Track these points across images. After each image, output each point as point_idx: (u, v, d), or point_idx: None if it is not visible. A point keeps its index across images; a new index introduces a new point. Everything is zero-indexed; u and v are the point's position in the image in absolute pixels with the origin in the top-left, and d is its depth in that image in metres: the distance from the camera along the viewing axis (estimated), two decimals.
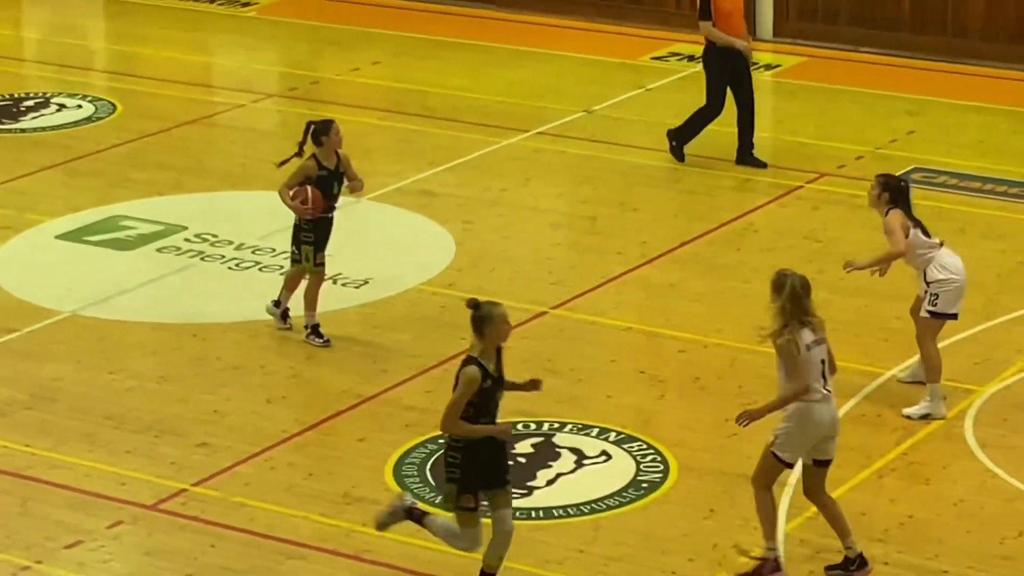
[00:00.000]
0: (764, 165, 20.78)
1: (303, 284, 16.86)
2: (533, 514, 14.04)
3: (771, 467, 13.05)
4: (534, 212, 19.91)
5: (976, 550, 13.52)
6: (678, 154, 20.95)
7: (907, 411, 15.46)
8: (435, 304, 17.59)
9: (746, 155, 20.87)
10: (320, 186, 16.41)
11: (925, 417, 15.40)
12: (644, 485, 14.45)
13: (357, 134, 22.22)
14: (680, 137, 20.97)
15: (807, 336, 12.80)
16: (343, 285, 17.91)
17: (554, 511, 14.09)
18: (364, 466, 14.73)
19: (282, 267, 18.05)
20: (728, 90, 20.80)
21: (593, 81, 23.97)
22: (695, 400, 15.76)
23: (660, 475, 14.58)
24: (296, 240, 16.71)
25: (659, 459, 14.81)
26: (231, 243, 18.90)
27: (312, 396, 16.04)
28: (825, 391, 12.91)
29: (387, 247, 19.00)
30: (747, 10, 25.20)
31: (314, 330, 16.78)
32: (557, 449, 14.98)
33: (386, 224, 19.56)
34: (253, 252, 18.68)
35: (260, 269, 18.29)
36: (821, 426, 12.93)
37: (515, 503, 14.07)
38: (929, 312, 15.38)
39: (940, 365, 15.44)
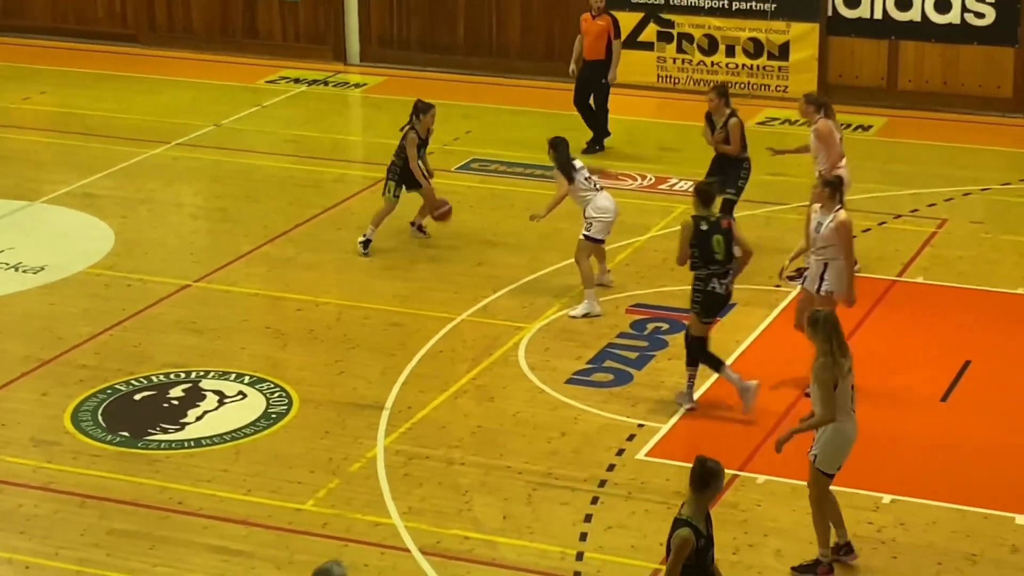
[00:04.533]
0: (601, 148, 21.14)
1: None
2: (186, 445, 13.84)
3: (819, 481, 11.83)
4: (177, 207, 19.58)
5: (530, 449, 13.75)
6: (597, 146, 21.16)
7: (571, 313, 16.12)
8: (100, 283, 17.18)
9: (593, 145, 21.03)
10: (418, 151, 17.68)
11: (587, 315, 16.03)
12: (273, 416, 14.36)
13: (29, 151, 21.64)
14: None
15: (843, 366, 11.59)
16: (23, 272, 17.37)
17: (202, 441, 13.91)
18: (46, 415, 14.34)
19: None
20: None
21: (220, 102, 23.64)
22: (311, 347, 15.70)
23: (286, 407, 14.50)
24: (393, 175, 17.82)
25: (284, 395, 14.72)
26: None
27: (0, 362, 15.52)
28: (851, 411, 11.74)
29: (59, 240, 18.46)
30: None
31: (366, 244, 17.73)
32: (203, 392, 14.79)
33: (57, 221, 19.01)
34: None
35: None
36: (851, 441, 11.79)
37: (170, 437, 13.94)
38: (584, 235, 16.25)
39: (592, 275, 16.23)
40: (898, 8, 22.78)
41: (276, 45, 25.76)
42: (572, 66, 21.36)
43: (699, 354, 14.19)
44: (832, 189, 14.31)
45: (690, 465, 9.94)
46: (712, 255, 14.01)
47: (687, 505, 10.09)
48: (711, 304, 14.11)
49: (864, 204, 19.20)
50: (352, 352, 15.54)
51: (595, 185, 16.34)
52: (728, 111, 17.04)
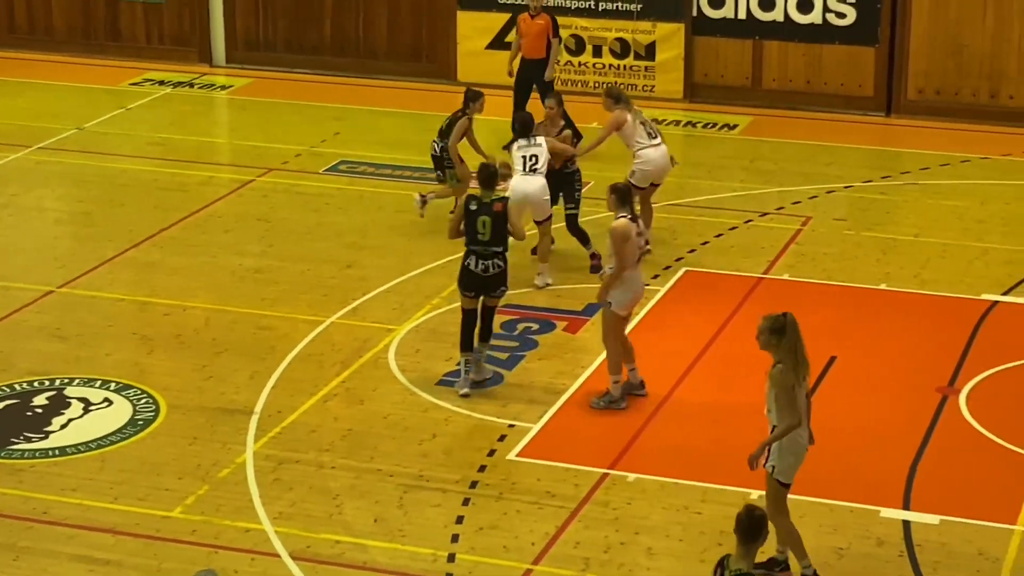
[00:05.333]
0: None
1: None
2: (51, 453, 13.63)
3: (778, 494, 11.65)
4: (40, 211, 19.29)
5: (401, 451, 13.71)
6: None
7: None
8: None
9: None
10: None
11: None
12: (140, 422, 14.19)
13: None
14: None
15: (799, 372, 11.51)
16: None
17: (67, 449, 13.71)
18: None
19: None
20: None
21: (84, 104, 23.33)
22: (178, 352, 15.53)
23: (153, 413, 14.34)
24: (440, 167, 18.02)
25: (151, 401, 14.55)
26: None
27: None
28: (807, 419, 11.65)
29: None
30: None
31: (424, 200, 18.18)
32: (68, 400, 14.58)
33: None
34: None
35: None
36: (806, 448, 11.66)
37: (34, 446, 13.70)
38: None
39: None
40: (762, 8, 23.03)
41: (140, 47, 25.47)
42: (509, 67, 21.43)
43: (462, 326, 14.69)
44: (618, 196, 14.12)
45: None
46: (476, 235, 14.47)
47: (739, 559, 9.42)
48: (465, 279, 14.62)
49: (730, 202, 19.38)
50: (220, 357, 15.40)
51: (517, 172, 16.70)
52: (563, 123, 17.35)
